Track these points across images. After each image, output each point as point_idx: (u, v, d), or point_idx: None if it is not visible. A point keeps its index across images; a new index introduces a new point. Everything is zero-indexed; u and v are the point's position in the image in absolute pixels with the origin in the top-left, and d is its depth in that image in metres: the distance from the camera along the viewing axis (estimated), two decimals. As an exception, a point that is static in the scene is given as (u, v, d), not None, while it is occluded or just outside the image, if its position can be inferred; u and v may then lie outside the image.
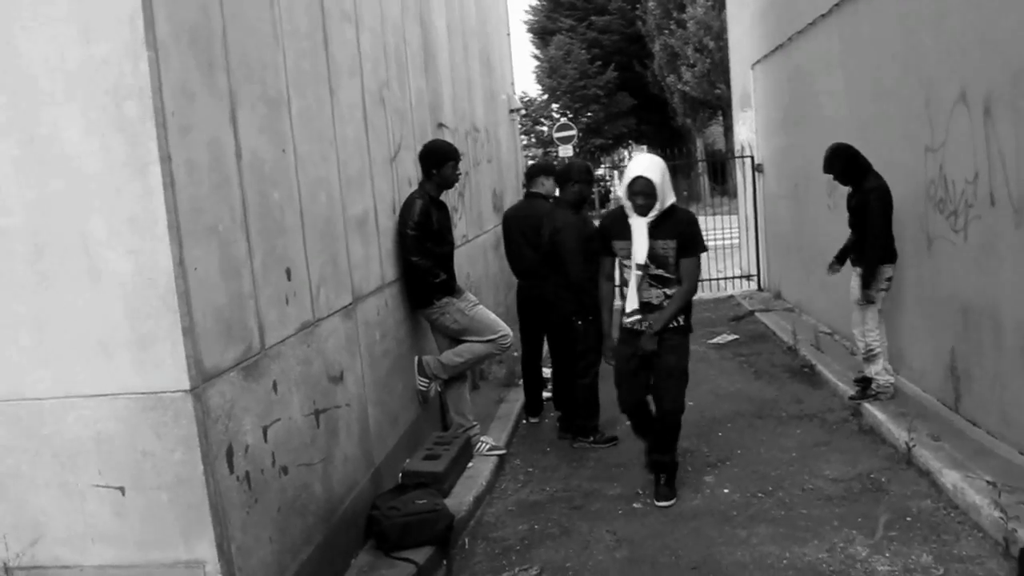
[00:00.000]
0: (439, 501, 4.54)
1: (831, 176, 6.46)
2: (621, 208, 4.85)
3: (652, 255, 4.68)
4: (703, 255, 4.89)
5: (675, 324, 4.80)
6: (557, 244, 5.99)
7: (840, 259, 6.52)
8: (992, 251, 5.12)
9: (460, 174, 5.79)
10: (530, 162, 30.23)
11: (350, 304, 4.48)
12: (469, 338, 5.64)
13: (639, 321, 4.82)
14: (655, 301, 4.78)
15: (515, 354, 6.61)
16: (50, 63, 2.73)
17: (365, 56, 5.04)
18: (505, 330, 5.73)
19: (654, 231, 4.68)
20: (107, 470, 2.92)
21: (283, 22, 3.83)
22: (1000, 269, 5.04)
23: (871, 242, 6.05)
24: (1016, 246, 4.82)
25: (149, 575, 2.95)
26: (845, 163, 6.17)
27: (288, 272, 3.69)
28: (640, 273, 4.74)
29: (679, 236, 4.70)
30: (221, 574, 2.93)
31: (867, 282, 6.12)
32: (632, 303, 4.81)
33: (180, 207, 2.83)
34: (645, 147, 42.29)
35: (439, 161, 5.55)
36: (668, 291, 4.77)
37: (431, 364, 5.64)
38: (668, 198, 4.69)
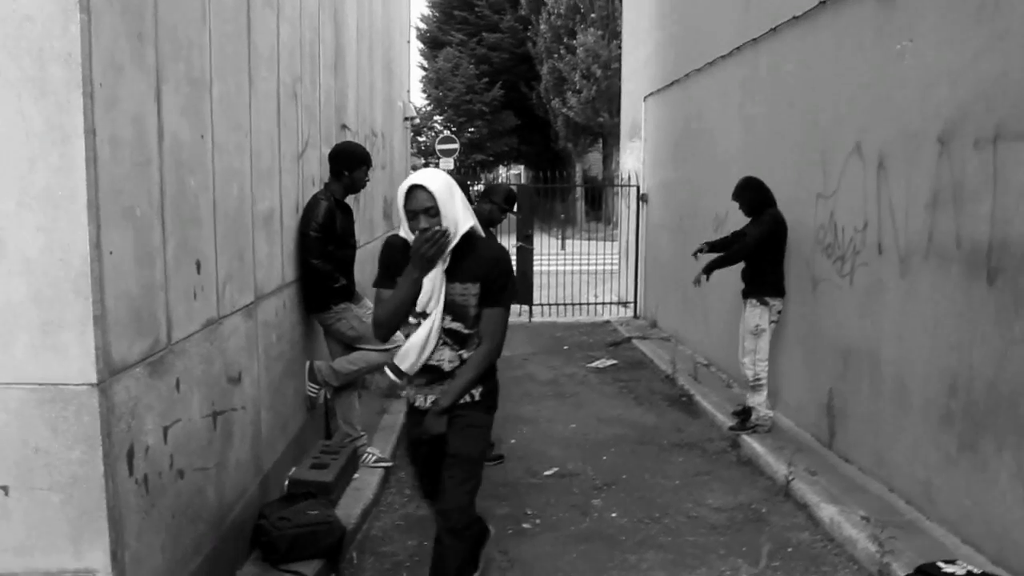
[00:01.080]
0: (331, 513, 4.37)
1: (719, 211, 6.68)
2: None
3: (448, 302, 3.30)
4: (510, 303, 3.49)
5: (469, 398, 3.42)
6: None
7: (708, 269, 6.61)
8: (876, 297, 5.38)
9: (368, 180, 5.65)
10: (411, 171, 30.07)
11: (252, 303, 4.27)
12: (364, 346, 5.48)
13: (423, 393, 3.48)
14: (446, 366, 3.38)
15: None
16: (-33, 15, 2.48)
17: (283, 47, 4.85)
18: (401, 340, 5.60)
19: (451, 269, 3.30)
20: (-11, 466, 2.65)
21: (211, 0, 3.63)
22: (883, 315, 5.29)
23: (743, 248, 6.30)
24: (900, 294, 5.08)
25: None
26: (757, 194, 6.39)
27: (198, 265, 3.48)
28: (427, 325, 3.33)
29: (484, 279, 3.30)
30: (112, 584, 2.70)
31: (709, 268, 6.48)
32: (411, 364, 3.40)
33: (101, 185, 2.62)
34: (523, 167, 42.82)
35: (352, 164, 5.40)
36: (465, 353, 3.38)
37: (323, 370, 5.46)
38: (462, 223, 3.25)
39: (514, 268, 3.77)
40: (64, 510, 2.67)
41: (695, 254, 6.93)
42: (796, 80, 6.66)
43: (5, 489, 2.66)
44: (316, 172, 5.71)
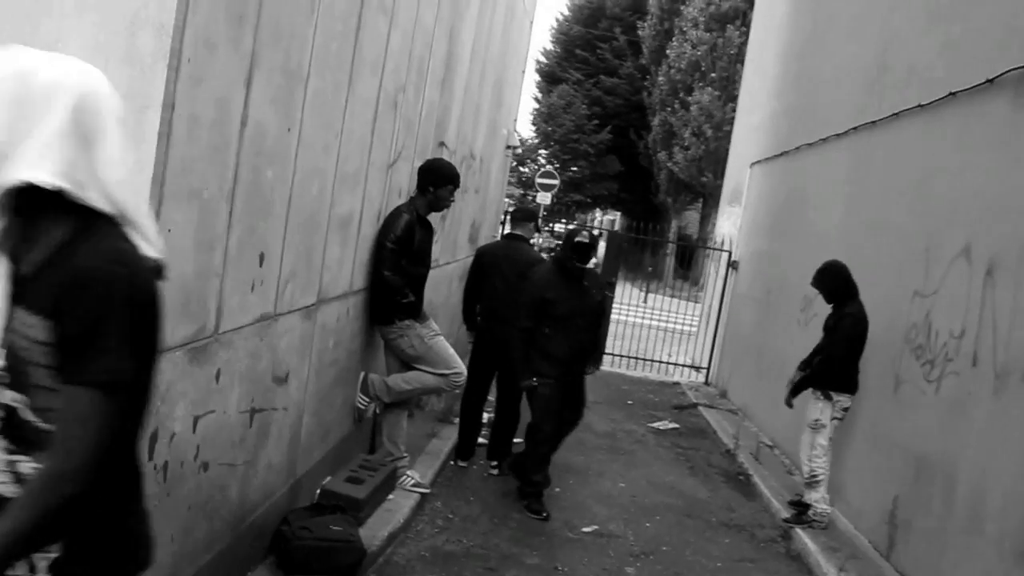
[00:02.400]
0: (354, 532, 4.24)
1: (808, 293, 6.40)
2: None
3: (6, 346, 1.59)
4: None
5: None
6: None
7: (795, 391, 6.39)
8: (963, 410, 5.02)
9: (453, 200, 5.56)
10: (507, 201, 30.20)
11: (313, 305, 4.20)
12: (422, 367, 5.37)
13: None
14: None
15: (455, 391, 6.36)
16: (68, -29, 2.46)
17: (391, 55, 4.82)
18: (460, 368, 5.48)
19: (21, 282, 1.61)
20: (13, 425, 2.59)
21: (323, -3, 3.60)
22: (968, 431, 4.93)
23: (825, 359, 6.00)
24: (990, 412, 4.73)
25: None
26: (836, 282, 6.10)
27: (261, 258, 3.42)
28: None
29: (55, 314, 1.52)
30: (109, 569, 2.60)
31: (797, 389, 6.25)
32: None
33: (170, 162, 2.56)
34: (619, 213, 42.62)
35: (439, 181, 5.32)
36: (25, 464, 1.58)
37: (376, 384, 5.36)
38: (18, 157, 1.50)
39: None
40: (75, 484, 2.59)
41: (788, 402, 6.56)
42: (910, 170, 6.35)
43: (23, 451, 2.60)
44: (405, 184, 5.66)
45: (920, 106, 6.28)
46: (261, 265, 3.43)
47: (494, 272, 6.41)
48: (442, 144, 6.83)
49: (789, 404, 6.44)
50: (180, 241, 2.71)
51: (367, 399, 5.37)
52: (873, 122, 7.22)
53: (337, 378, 4.87)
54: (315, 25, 3.57)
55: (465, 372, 5.54)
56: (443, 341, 5.50)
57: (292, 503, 4.35)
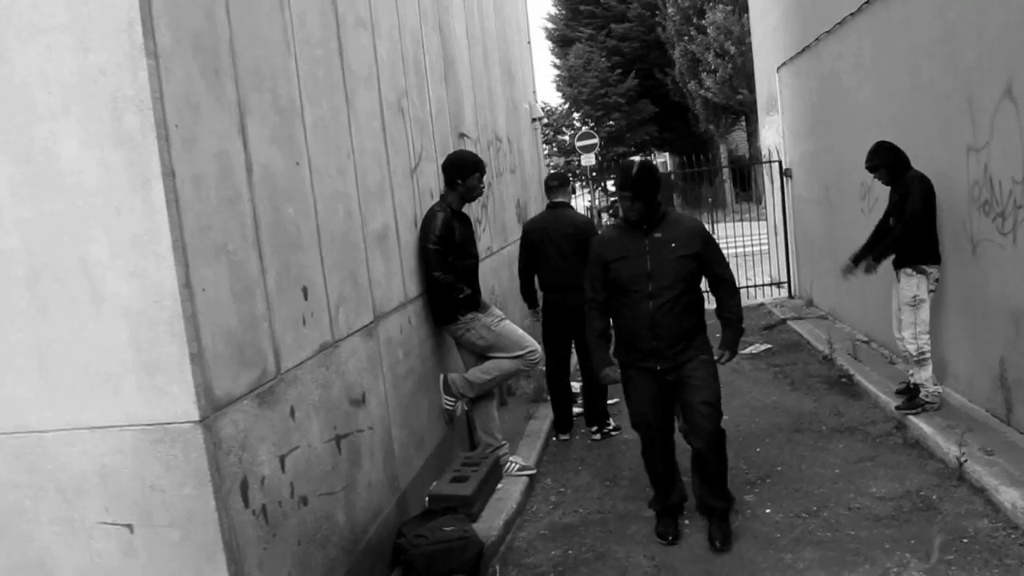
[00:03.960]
0: (468, 527, 4.32)
1: (864, 179, 6.22)
2: None
3: None
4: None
5: None
6: (584, 242, 5.97)
7: (858, 258, 6.24)
8: (1045, 253, 4.85)
9: (484, 186, 5.59)
10: (551, 171, 30.10)
11: (371, 323, 4.29)
12: (496, 354, 5.42)
13: None
14: None
15: (541, 369, 6.41)
16: (46, 75, 2.55)
17: (383, 64, 4.86)
18: (533, 345, 5.52)
19: None
20: (114, 506, 2.73)
21: (295, 28, 3.65)
22: (1054, 272, 4.77)
23: (906, 224, 5.80)
24: (1072, 248, 4.56)
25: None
26: (891, 156, 5.92)
27: (305, 291, 3.50)
28: None
29: None
30: (235, 617, 2.73)
31: (879, 255, 6.04)
32: None
33: (185, 225, 2.65)
34: (667, 154, 42.08)
35: (464, 172, 5.36)
36: None
37: (457, 382, 5.44)
38: None
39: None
40: (184, 546, 2.72)
41: (845, 274, 6.46)
42: (933, 25, 6.13)
43: (130, 527, 2.74)
44: (433, 184, 5.71)
45: (926, -39, 6.06)
46: (306, 298, 3.51)
47: (544, 244, 6.42)
48: (463, 135, 6.86)
49: (848, 274, 6.40)
50: (217, 295, 2.81)
51: (452, 399, 5.45)
52: (883, -9, 6.99)
53: (417, 386, 4.96)
54: (295, 57, 3.63)
55: (539, 349, 5.57)
56: (510, 324, 5.54)
57: (402, 515, 4.45)
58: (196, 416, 2.63)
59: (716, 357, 4.50)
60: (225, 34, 3.04)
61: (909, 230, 5.79)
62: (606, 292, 4.47)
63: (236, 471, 2.82)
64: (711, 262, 4.41)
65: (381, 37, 4.89)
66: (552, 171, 10.87)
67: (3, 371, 2.73)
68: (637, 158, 4.44)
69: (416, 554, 4.04)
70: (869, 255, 6.12)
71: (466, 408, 5.73)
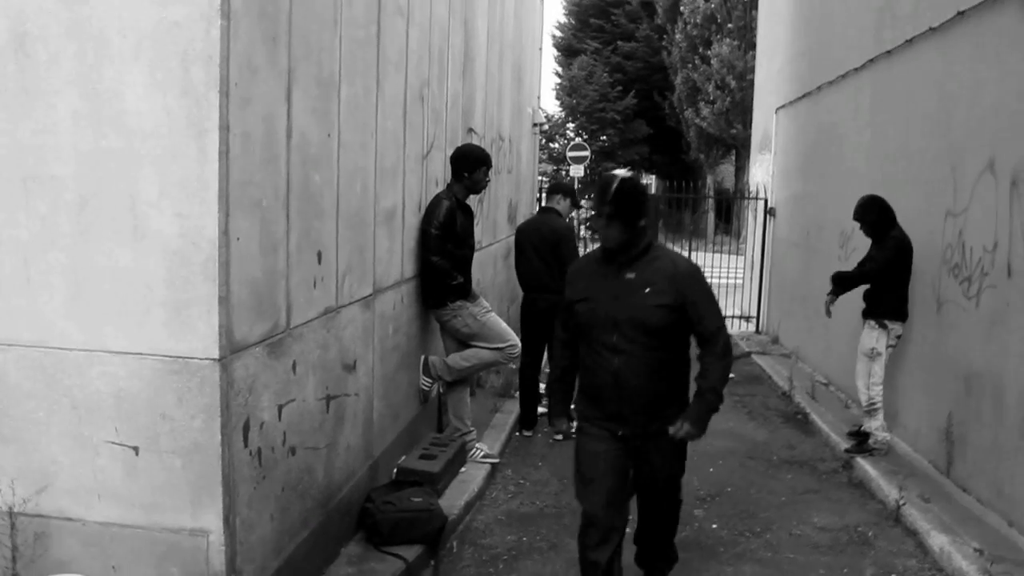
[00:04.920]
0: (434, 501, 4.54)
1: (845, 228, 6.53)
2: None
3: None
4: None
5: None
6: (557, 246, 6.48)
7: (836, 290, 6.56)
8: (1003, 322, 5.16)
9: (489, 181, 5.82)
10: (541, 178, 30.24)
11: (370, 295, 4.50)
12: (478, 344, 5.65)
13: None
14: None
15: (512, 366, 6.65)
16: (123, 21, 2.75)
17: (412, 52, 5.07)
18: (514, 340, 5.75)
19: None
20: (124, 428, 2.92)
21: (343, 8, 3.86)
22: (1009, 341, 5.08)
23: (867, 271, 6.12)
24: (1029, 319, 4.87)
25: (152, 539, 2.95)
26: (878, 215, 6.22)
27: (319, 256, 3.71)
28: None
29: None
30: (224, 546, 2.93)
31: (840, 286, 6.36)
32: None
33: (232, 177, 2.85)
34: (655, 177, 42.49)
35: (472, 165, 5.58)
36: None
37: (437, 365, 5.65)
38: None
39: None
40: (184, 473, 2.91)
41: (827, 305, 6.69)
42: (930, 93, 6.45)
43: (136, 449, 2.93)
44: (440, 173, 5.92)
45: (931, 29, 6.37)
46: (320, 263, 3.72)
47: (527, 245, 6.74)
48: (471, 130, 7.08)
49: (828, 312, 6.61)
50: (248, 247, 3.01)
51: (430, 380, 5.67)
52: (888, 52, 7.31)
53: (400, 363, 5.17)
54: (340, 36, 3.83)
55: (519, 344, 5.81)
56: (495, 317, 5.77)
57: (372, 482, 4.66)
58: (216, 355, 2.83)
59: (672, 429, 3.55)
60: (285, 4, 3.25)
61: (868, 279, 6.14)
62: (574, 331, 3.69)
63: (242, 412, 3.02)
64: (697, 317, 3.47)
65: (414, 26, 5.09)
66: (541, 177, 11.13)
67: (37, 288, 2.91)
68: (621, 171, 3.58)
69: (383, 519, 4.25)
70: (840, 284, 6.43)
71: (441, 391, 5.95)
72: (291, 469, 3.51)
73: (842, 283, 6.38)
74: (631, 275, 3.46)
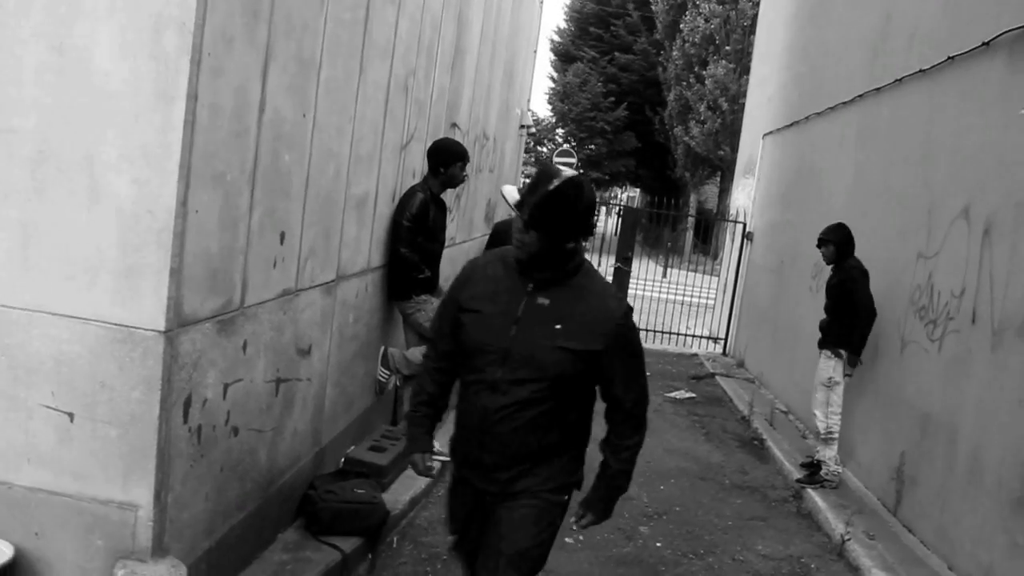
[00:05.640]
0: (377, 495, 4.49)
1: (818, 259, 6.55)
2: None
3: None
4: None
5: None
6: None
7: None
8: (963, 368, 5.19)
9: (466, 176, 5.77)
10: (526, 181, 30.24)
11: (332, 281, 4.43)
12: None
13: None
14: None
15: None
16: (98, -24, 2.68)
17: (400, 41, 5.01)
18: None
19: None
20: (61, 393, 2.84)
21: (331, -11, 3.80)
22: (968, 387, 5.10)
23: (861, 314, 6.13)
24: (988, 367, 4.89)
25: (80, 508, 2.87)
26: (843, 238, 6.27)
27: (282, 236, 3.65)
28: None
29: None
30: (153, 521, 2.86)
31: (857, 349, 6.25)
32: None
33: (195, 147, 2.79)
34: (639, 190, 42.65)
35: (447, 160, 5.53)
36: None
37: (396, 357, 5.60)
38: None
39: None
40: (119, 445, 2.84)
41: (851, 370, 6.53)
42: (914, 134, 6.48)
43: (71, 416, 2.85)
44: (419, 165, 5.87)
45: (921, 71, 6.40)
46: (282, 243, 3.65)
47: (496, 244, 6.68)
48: (454, 125, 7.02)
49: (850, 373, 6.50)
50: (207, 221, 2.94)
51: (388, 372, 5.61)
52: (878, 89, 7.34)
53: (358, 352, 5.11)
54: (325, 16, 3.77)
55: None
56: None
57: (318, 470, 4.60)
58: (162, 327, 2.77)
59: (573, 520, 2.96)
60: (270, -21, 3.18)
61: (861, 316, 6.14)
62: (454, 344, 2.82)
63: (184, 387, 2.96)
64: (618, 380, 2.71)
65: (404, 15, 5.04)
66: (526, 180, 11.09)
67: (-14, 242, 2.83)
68: (569, 170, 2.62)
69: (323, 508, 4.19)
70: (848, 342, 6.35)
71: (398, 384, 5.88)
72: (232, 449, 3.45)
73: (858, 349, 6.32)
74: (544, 300, 2.64)
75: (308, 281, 4.05)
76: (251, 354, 3.49)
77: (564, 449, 2.78)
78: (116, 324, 2.78)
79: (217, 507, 3.37)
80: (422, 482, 5.29)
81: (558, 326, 2.61)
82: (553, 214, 2.57)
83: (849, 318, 6.17)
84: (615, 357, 2.66)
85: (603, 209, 32.14)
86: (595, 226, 2.90)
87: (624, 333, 2.68)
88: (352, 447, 5.12)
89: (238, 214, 3.20)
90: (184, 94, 2.69)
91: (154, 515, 2.86)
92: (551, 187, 2.55)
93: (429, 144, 5.88)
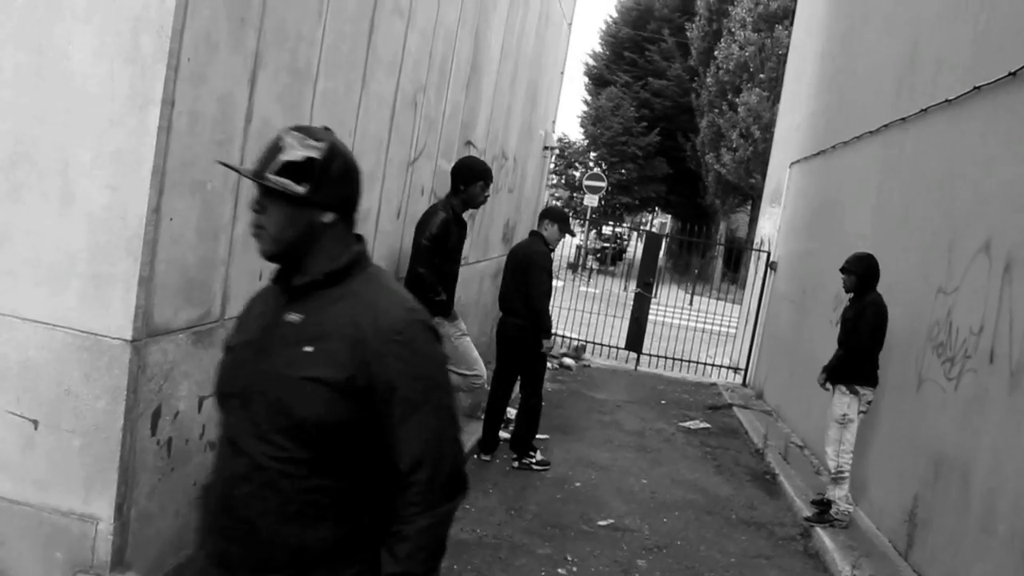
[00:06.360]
0: (364, 516, 4.37)
1: (839, 292, 6.38)
2: None
3: None
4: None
5: None
6: (527, 270, 6.43)
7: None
8: (980, 409, 5.00)
9: (487, 196, 5.62)
10: (555, 203, 30.18)
11: (327, 295, 4.35)
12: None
13: None
14: None
15: (484, 387, 6.51)
16: (78, -22, 2.64)
17: (408, 56, 4.96)
18: (481, 370, 5.60)
19: None
20: (26, 399, 2.79)
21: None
22: (983, 429, 4.91)
23: (854, 347, 5.97)
24: (1005, 409, 4.70)
25: (40, 518, 2.81)
26: (866, 271, 6.09)
27: (270, 248, 3.58)
28: None
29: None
30: (113, 535, 2.78)
31: (829, 374, 6.14)
32: None
33: (171, 154, 2.73)
34: (670, 216, 42.46)
35: (468, 179, 5.42)
36: None
37: None
38: None
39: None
40: (82, 455, 2.77)
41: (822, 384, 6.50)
42: (938, 165, 6.32)
43: (35, 423, 2.79)
44: (427, 182, 5.80)
45: (947, 101, 6.24)
46: (269, 256, 3.58)
47: (508, 267, 6.67)
48: (469, 143, 6.96)
49: (824, 386, 6.41)
50: (182, 229, 2.88)
51: None
52: (903, 119, 7.18)
53: (355, 369, 5.01)
54: (323, 27, 3.72)
55: (484, 375, 5.65)
56: (468, 342, 5.62)
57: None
58: (129, 336, 2.70)
59: None
60: (261, -14, 3.13)
61: (850, 353, 5.98)
62: None
63: (153, 399, 2.89)
64: (391, 415, 1.76)
65: (415, 30, 4.99)
66: (556, 202, 11.04)
67: (-42, 243, 2.78)
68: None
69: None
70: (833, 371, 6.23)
71: None
72: (208, 464, 3.36)
73: (834, 373, 6.19)
74: (295, 316, 1.82)
75: (299, 295, 3.97)
76: (232, 367, 3.41)
77: (343, 554, 1.78)
78: (83, 331, 2.72)
79: (188, 523, 3.28)
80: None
81: (308, 348, 1.75)
82: (286, 170, 1.73)
83: (866, 351, 6.00)
84: (388, 389, 1.74)
85: (633, 235, 32.01)
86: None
87: (401, 354, 1.76)
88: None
89: (220, 224, 3.13)
90: (160, 99, 2.63)
91: (114, 529, 2.79)
92: (278, 137, 1.78)
93: (440, 162, 5.83)
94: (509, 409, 7.09)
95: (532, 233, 6.85)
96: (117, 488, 2.77)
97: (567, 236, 7.09)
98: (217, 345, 3.26)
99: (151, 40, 2.62)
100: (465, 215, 5.67)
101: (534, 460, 6.68)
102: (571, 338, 12.96)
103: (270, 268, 3.54)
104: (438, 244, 5.27)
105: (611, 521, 5.81)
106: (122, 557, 2.84)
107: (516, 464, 6.62)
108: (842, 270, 6.28)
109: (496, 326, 6.83)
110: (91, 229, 2.69)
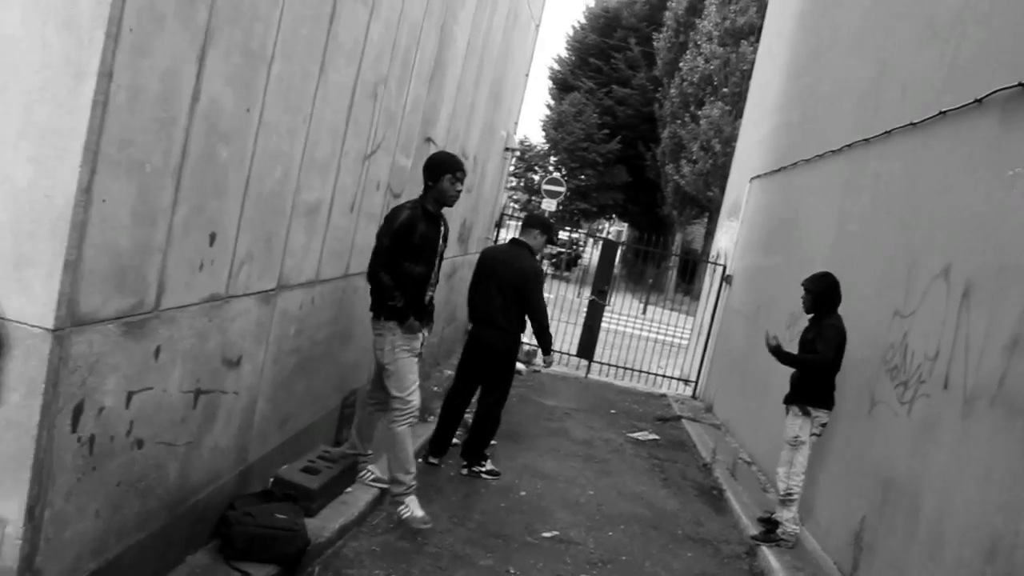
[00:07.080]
0: (300, 521, 4.19)
1: (794, 309, 6.31)
2: None
3: None
4: None
5: None
6: (523, 289, 6.33)
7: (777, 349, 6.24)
8: (932, 434, 4.96)
9: (460, 190, 5.26)
10: (512, 206, 30.03)
11: (272, 290, 4.16)
12: (384, 375, 5.19)
13: None
14: None
15: (435, 388, 6.34)
16: (12, -67, 2.43)
17: (371, 45, 4.78)
18: (414, 400, 5.18)
19: None
20: (-66, 389, 2.56)
21: (292, -21, 3.57)
22: (935, 455, 4.87)
23: (810, 363, 5.90)
24: (956, 436, 4.66)
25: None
26: (827, 290, 6.04)
27: (212, 237, 3.38)
28: None
29: None
30: (21, 540, 2.57)
31: (784, 355, 6.07)
32: None
33: (106, 131, 2.53)
34: (626, 224, 42.61)
35: (436, 173, 5.11)
36: None
37: (382, 467, 5.44)
38: None
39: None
40: (-8, 451, 2.56)
41: (771, 345, 6.35)
42: (899, 189, 6.29)
43: (-58, 415, 2.57)
44: (384, 176, 5.62)
45: (912, 124, 6.22)
46: (212, 245, 3.39)
47: (490, 276, 6.42)
48: (429, 140, 6.79)
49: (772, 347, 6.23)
50: (115, 212, 2.68)
51: (387, 482, 5.36)
52: (867, 140, 7.16)
53: (299, 366, 4.83)
54: (282, 8, 3.54)
55: (417, 405, 5.22)
56: (413, 363, 5.18)
57: (242, 488, 4.30)
58: (50, 324, 2.49)
59: None
60: (215, -41, 2.94)
61: (810, 370, 5.92)
62: None
63: (75, 393, 2.68)
64: None
65: (378, 19, 4.81)
66: (513, 204, 10.91)
67: None
68: None
69: (239, 531, 3.90)
70: (781, 351, 6.11)
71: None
72: (134, 463, 3.16)
73: (781, 359, 6.13)
74: None
75: (242, 288, 3.78)
76: (165, 361, 3.21)
77: None
78: (1, 317, 2.51)
79: (110, 525, 3.08)
80: (356, 509, 5.01)
81: None
82: None
83: (824, 376, 5.94)
84: None
85: (589, 241, 32.01)
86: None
87: None
88: (284, 467, 4.82)
89: (158, 208, 2.93)
90: (96, 71, 2.43)
91: (24, 533, 2.57)
92: None
93: (399, 156, 5.64)
94: (468, 415, 6.93)
95: (515, 242, 6.67)
96: (29, 489, 2.55)
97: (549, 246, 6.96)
98: (149, 338, 3.06)
99: (90, 4, 2.41)
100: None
101: (484, 469, 6.52)
102: (522, 343, 12.82)
103: (213, 258, 3.36)
104: (399, 242, 4.92)
105: (556, 533, 5.67)
106: (31, 563, 2.63)
107: (465, 471, 6.46)
108: (803, 285, 6.22)
109: (469, 334, 6.65)
110: (14, 207, 2.47)
